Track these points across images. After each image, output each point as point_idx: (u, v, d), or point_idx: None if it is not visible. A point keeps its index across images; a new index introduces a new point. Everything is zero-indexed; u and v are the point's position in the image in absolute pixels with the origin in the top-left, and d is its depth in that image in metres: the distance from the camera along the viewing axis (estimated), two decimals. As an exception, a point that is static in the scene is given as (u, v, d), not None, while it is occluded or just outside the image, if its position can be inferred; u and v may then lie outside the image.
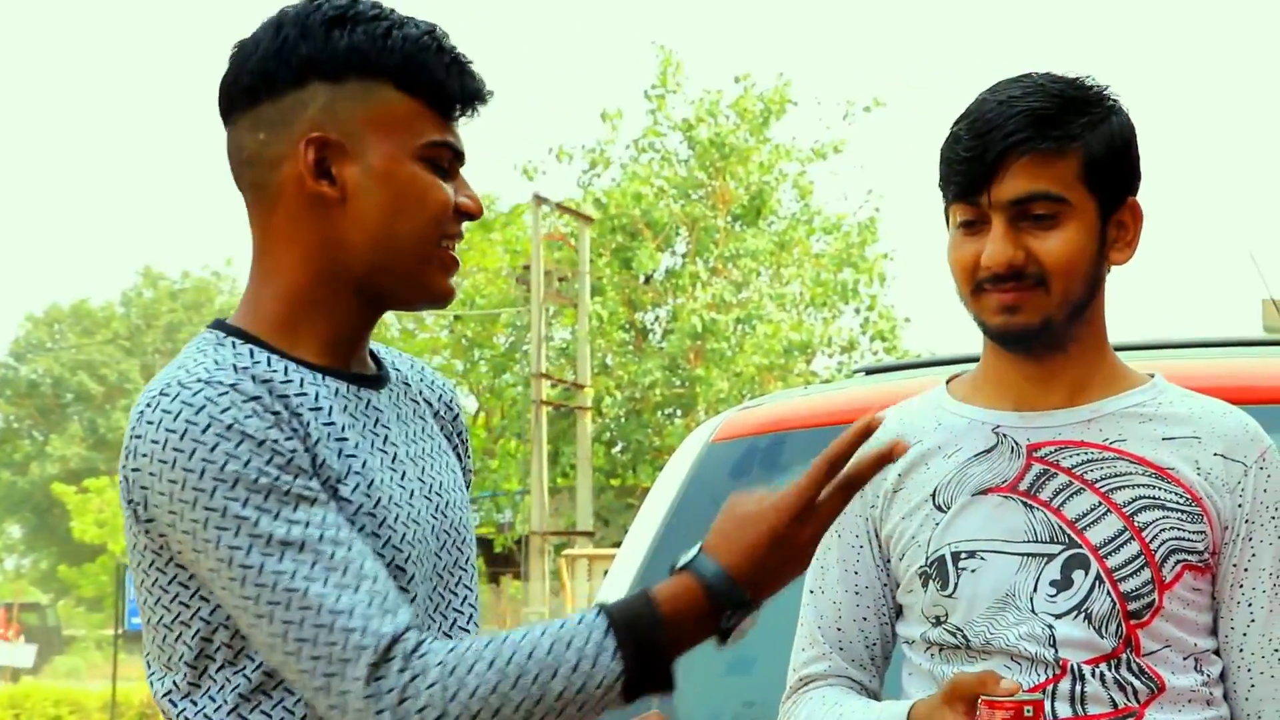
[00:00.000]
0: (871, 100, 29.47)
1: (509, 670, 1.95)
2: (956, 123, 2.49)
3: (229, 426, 1.99)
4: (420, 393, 2.29)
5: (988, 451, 2.51)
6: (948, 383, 2.63)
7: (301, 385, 2.08)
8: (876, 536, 2.57)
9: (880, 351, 28.77)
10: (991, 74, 2.56)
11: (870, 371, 3.86)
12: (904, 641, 2.56)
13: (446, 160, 2.14)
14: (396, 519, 2.09)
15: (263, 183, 2.13)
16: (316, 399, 2.08)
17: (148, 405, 2.03)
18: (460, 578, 2.22)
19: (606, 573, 3.38)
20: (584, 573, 22.82)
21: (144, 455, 2.01)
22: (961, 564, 2.48)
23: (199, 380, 2.02)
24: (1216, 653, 2.49)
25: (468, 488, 2.34)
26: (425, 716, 1.95)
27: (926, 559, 2.50)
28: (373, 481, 2.09)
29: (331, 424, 2.08)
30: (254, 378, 2.04)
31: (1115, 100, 2.50)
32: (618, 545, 3.37)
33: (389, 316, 29.70)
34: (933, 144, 2.54)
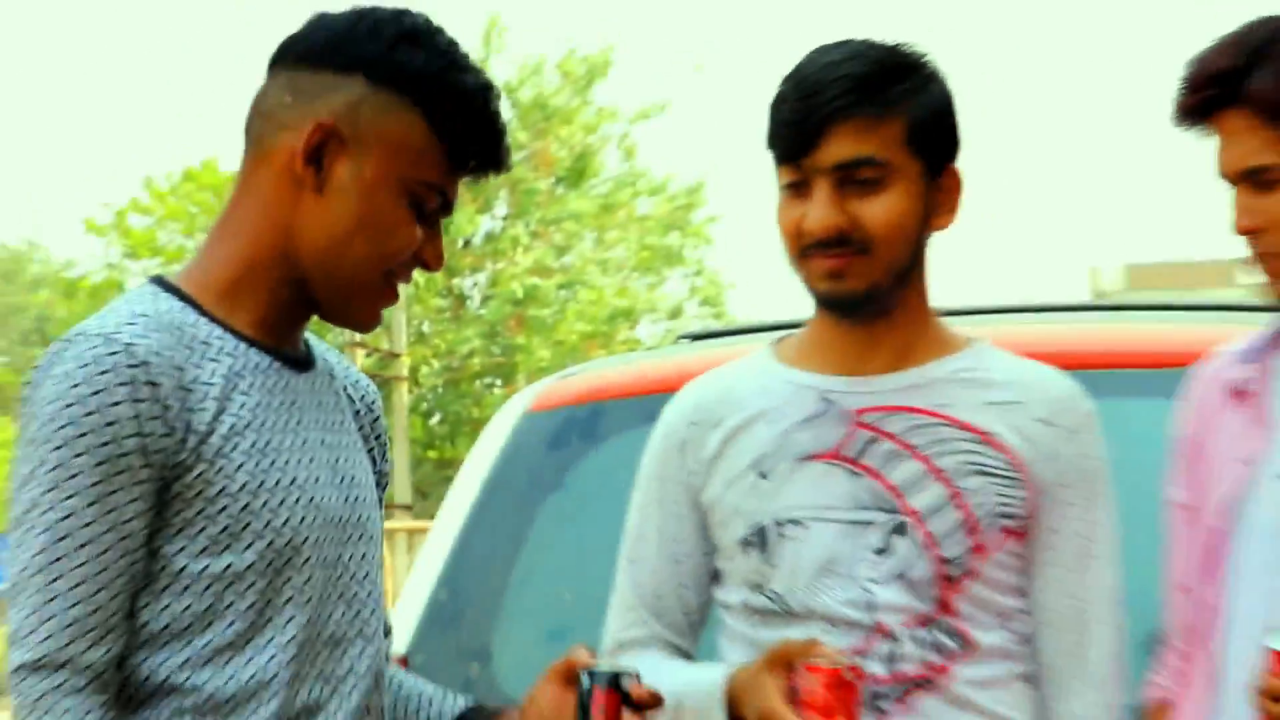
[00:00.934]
0: (697, 61, 29.48)
1: None
2: (782, 83, 2.49)
3: (95, 393, 2.07)
4: (344, 387, 2.35)
5: (813, 418, 2.52)
6: (775, 346, 2.63)
7: (219, 352, 2.15)
8: (698, 504, 2.57)
9: (708, 317, 28.78)
10: (819, 36, 2.58)
11: (695, 338, 3.84)
12: (722, 606, 2.57)
13: (432, 206, 2.21)
14: (297, 500, 2.17)
15: (264, 137, 2.20)
16: (231, 369, 2.15)
17: (55, 346, 2.12)
18: (366, 571, 2.28)
19: (425, 544, 3.38)
20: (403, 546, 22.65)
21: (26, 385, 2.13)
22: (784, 533, 2.49)
23: (99, 334, 2.10)
24: (1025, 611, 2.54)
25: (381, 488, 2.41)
26: None
27: (748, 528, 2.51)
28: (273, 459, 2.16)
29: (237, 396, 2.14)
30: (159, 335, 2.11)
31: (935, 67, 2.53)
32: (435, 518, 3.38)
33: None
34: (762, 104, 2.54)
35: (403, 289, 2.29)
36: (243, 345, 2.18)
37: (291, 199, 2.18)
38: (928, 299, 2.57)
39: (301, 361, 2.26)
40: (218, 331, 2.17)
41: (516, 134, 28.75)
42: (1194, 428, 2.50)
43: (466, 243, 29.34)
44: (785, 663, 2.36)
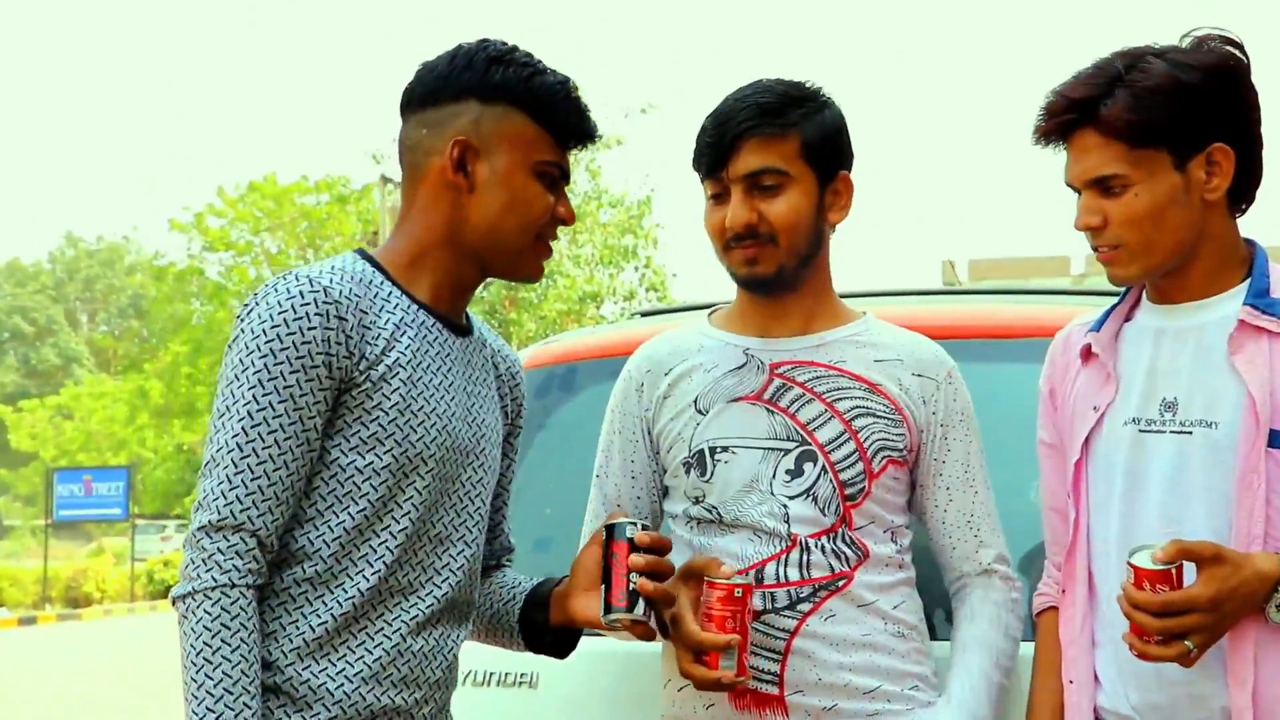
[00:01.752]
0: (647, 104, 29.55)
1: None
2: (705, 118, 2.51)
3: (298, 318, 2.11)
4: (491, 357, 2.39)
5: (739, 368, 2.53)
6: (709, 315, 2.65)
7: (395, 307, 2.19)
8: (650, 433, 2.58)
9: (654, 300, 28.90)
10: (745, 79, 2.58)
11: (645, 314, 3.84)
12: (670, 517, 2.58)
13: (554, 177, 2.26)
14: (431, 425, 2.19)
15: (416, 164, 2.25)
16: (401, 320, 2.18)
17: (269, 282, 2.18)
18: (479, 491, 2.29)
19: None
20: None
21: (242, 308, 2.17)
22: (717, 457, 2.49)
23: (306, 276, 2.15)
24: (907, 527, 2.53)
25: (513, 439, 2.46)
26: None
27: (689, 452, 2.52)
28: (420, 391, 2.18)
29: (403, 340, 2.17)
30: (350, 284, 2.16)
31: (828, 98, 2.52)
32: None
33: (266, 269, 28.89)
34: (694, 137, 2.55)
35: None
36: (414, 306, 2.22)
37: (452, 201, 2.23)
38: (829, 278, 2.57)
39: (461, 328, 2.30)
40: (396, 293, 2.21)
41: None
42: (1053, 383, 2.46)
43: (471, 242, 29.42)
44: (694, 575, 2.36)
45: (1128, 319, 2.39)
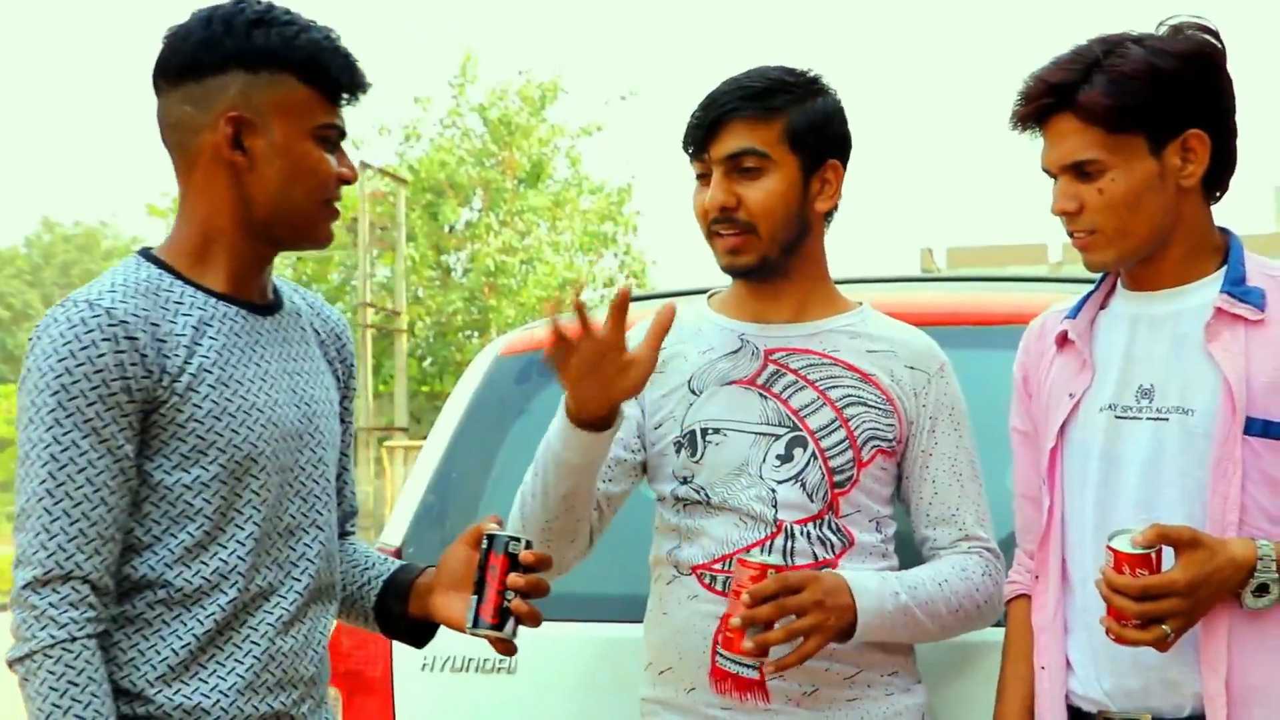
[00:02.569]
0: (629, 90, 29.51)
1: None
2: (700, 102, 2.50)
3: (84, 348, 2.00)
4: (310, 323, 2.27)
5: (734, 352, 2.52)
6: (708, 298, 2.63)
7: (190, 307, 2.08)
8: (642, 409, 2.55)
9: (633, 286, 28.85)
10: (725, 73, 2.57)
11: (632, 300, 3.83)
12: (657, 499, 2.55)
13: (334, 138, 2.15)
14: (255, 421, 2.09)
15: (184, 145, 2.13)
16: (200, 320, 2.08)
17: (50, 312, 2.06)
18: (321, 470, 2.20)
19: (418, 459, 3.34)
20: (401, 460, 22.65)
21: (29, 341, 2.04)
22: (708, 438, 2.48)
23: (86, 300, 2.03)
24: (892, 518, 2.52)
25: (346, 402, 2.34)
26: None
27: (681, 431, 2.50)
28: (235, 389, 2.08)
29: (204, 341, 2.07)
30: (136, 299, 2.05)
31: (825, 86, 2.50)
32: (426, 439, 3.32)
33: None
34: (676, 126, 2.56)
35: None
36: (211, 299, 2.11)
37: (231, 179, 2.11)
38: (823, 267, 2.56)
39: (268, 306, 2.19)
40: (189, 290, 2.10)
41: (488, 145, 28.75)
42: (1026, 371, 2.45)
43: (451, 229, 29.28)
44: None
45: (1103, 307, 2.39)
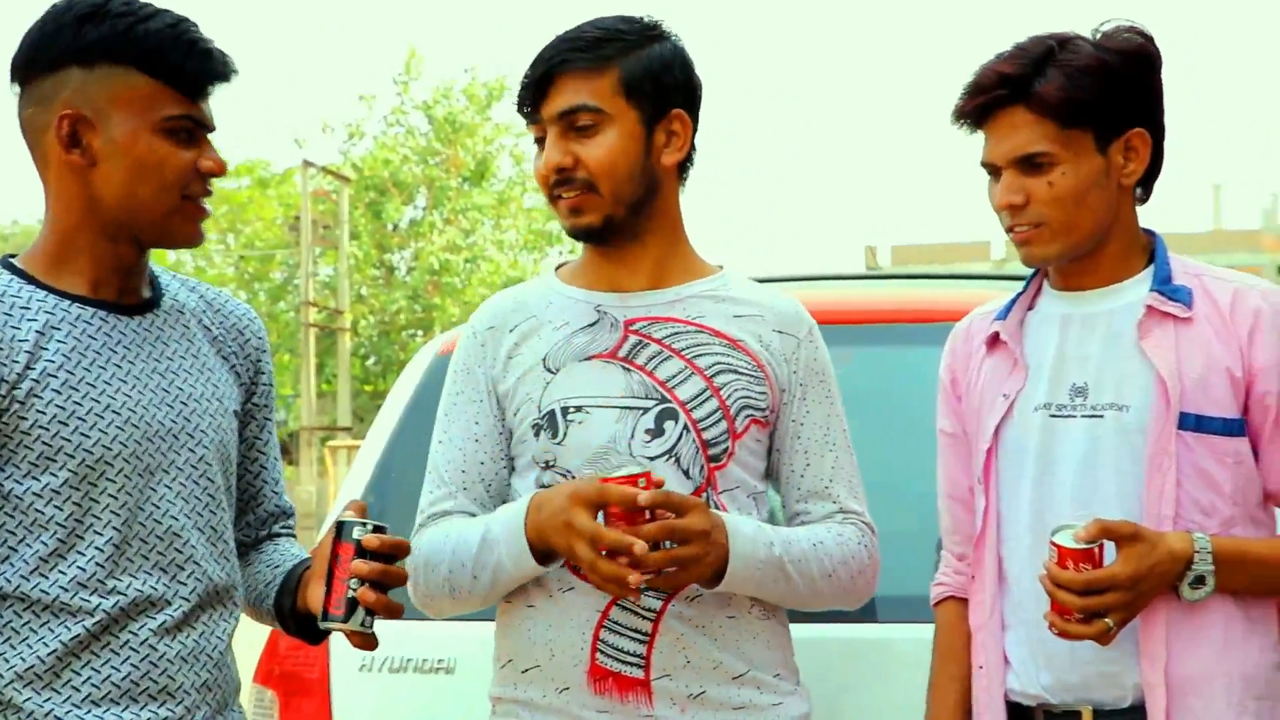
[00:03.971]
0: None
1: None
2: None
3: None
4: (200, 319, 2.20)
5: (591, 325, 2.36)
6: (556, 269, 2.49)
7: (37, 312, 2.03)
8: (495, 393, 2.38)
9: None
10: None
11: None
12: (519, 493, 2.35)
13: (189, 130, 2.06)
14: (110, 422, 2.03)
15: (35, 145, 2.08)
16: (46, 324, 2.02)
17: None
18: (203, 470, 2.12)
19: (357, 458, 3.31)
20: (344, 460, 22.57)
21: None
22: (569, 417, 2.31)
23: None
24: (765, 492, 2.40)
25: (257, 399, 2.26)
26: None
27: (539, 413, 2.33)
28: (85, 393, 2.02)
29: (51, 345, 2.02)
30: None
31: (664, 32, 2.37)
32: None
33: (185, 255, 28.37)
34: None
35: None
36: (64, 302, 2.05)
37: (78, 179, 2.05)
38: (679, 228, 2.42)
39: (138, 306, 2.12)
40: (39, 294, 2.04)
41: (432, 143, 28.70)
42: (955, 373, 2.44)
43: (395, 227, 29.21)
44: (589, 503, 2.17)
45: (1031, 307, 2.39)
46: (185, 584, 2.07)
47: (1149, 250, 2.34)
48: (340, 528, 2.08)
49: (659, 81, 2.32)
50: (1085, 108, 2.23)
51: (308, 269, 25.44)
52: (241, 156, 32.87)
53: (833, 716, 2.60)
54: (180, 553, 2.07)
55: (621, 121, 2.30)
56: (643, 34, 2.33)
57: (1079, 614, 2.12)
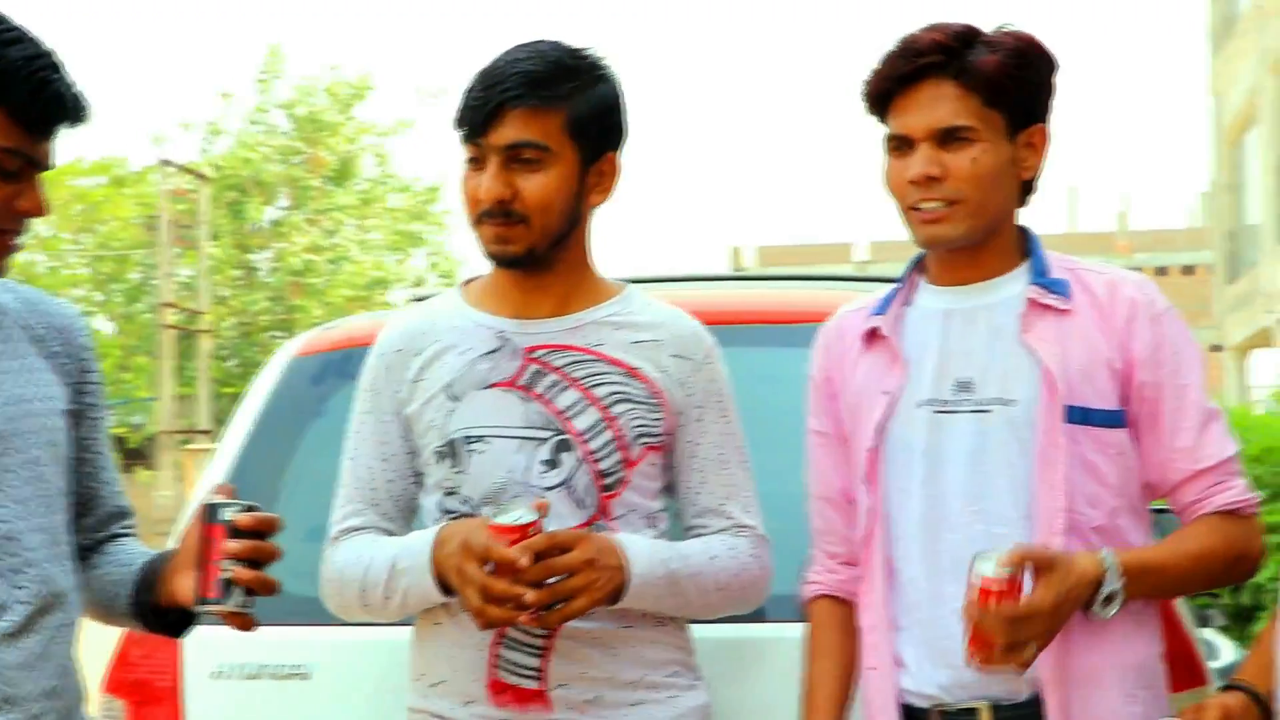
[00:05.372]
0: (439, 88, 29.37)
1: None
2: (474, 75, 2.39)
3: None
4: (18, 320, 2.15)
5: (493, 352, 2.42)
6: (464, 287, 2.53)
7: None
8: (402, 414, 2.45)
9: (444, 285, 28.78)
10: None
11: (420, 299, 3.80)
12: (426, 513, 2.46)
13: (11, 166, 2.00)
14: None
15: None
16: None
17: None
18: (37, 473, 2.08)
19: (211, 462, 3.26)
20: (203, 464, 22.28)
21: None
22: (470, 446, 2.39)
23: None
24: (664, 510, 2.47)
25: (87, 398, 2.22)
26: None
27: (442, 441, 2.40)
28: None
29: None
30: None
31: (607, 70, 2.42)
32: (222, 441, 3.25)
33: (38, 255, 27.78)
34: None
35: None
36: None
37: None
38: (588, 256, 2.47)
39: None
40: None
41: (294, 142, 28.43)
42: (828, 372, 2.43)
43: (256, 227, 28.86)
44: (478, 556, 2.24)
45: (907, 303, 2.39)
46: (24, 588, 2.02)
47: (1023, 246, 2.37)
48: (209, 510, 2.08)
49: (602, 124, 2.40)
50: (1007, 90, 2.27)
51: (166, 269, 25.03)
52: (98, 154, 32.22)
53: (732, 712, 2.62)
54: (17, 556, 2.02)
55: (562, 160, 2.36)
56: (592, 72, 2.39)
57: (1004, 646, 2.12)
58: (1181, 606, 2.85)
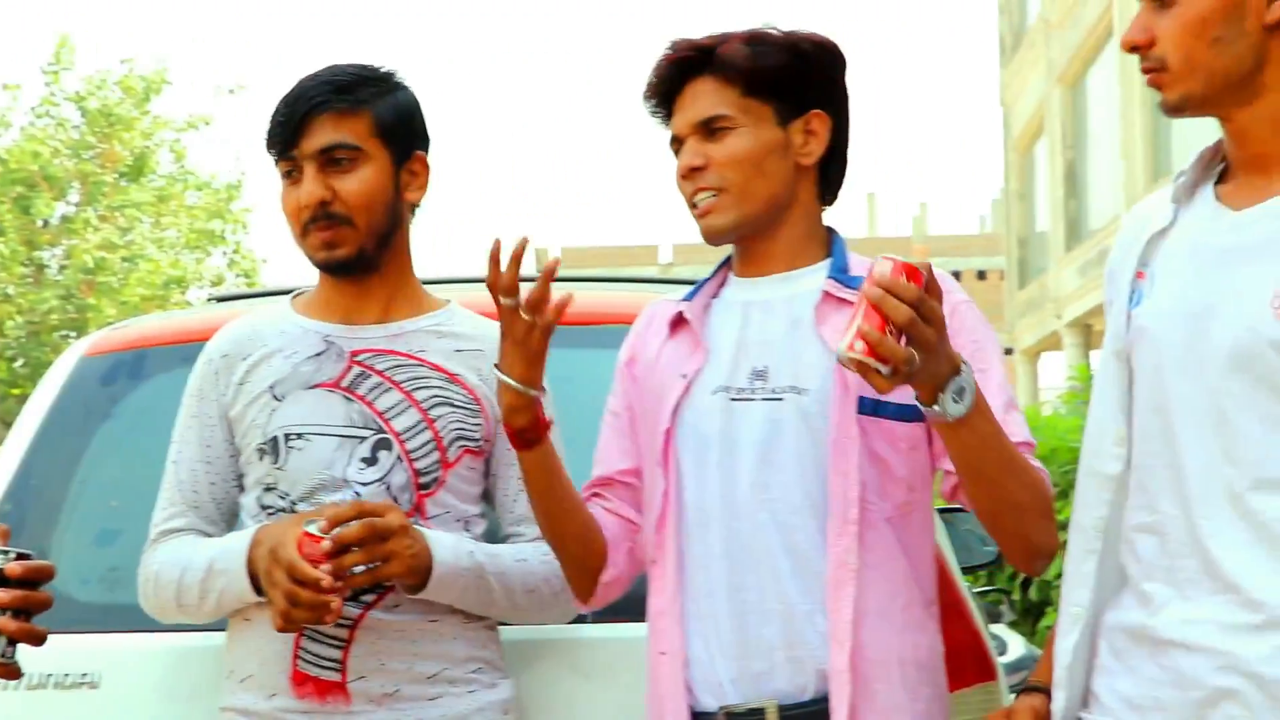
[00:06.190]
0: (236, 84, 28.92)
1: None
2: (279, 100, 2.50)
3: None
4: None
5: (318, 355, 2.50)
6: (292, 299, 2.61)
7: None
8: (226, 418, 2.52)
9: (244, 285, 28.30)
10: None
11: (221, 299, 3.75)
12: (244, 510, 2.53)
13: None
14: None
15: None
16: None
17: None
18: None
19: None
20: (-10, 468, 21.60)
21: None
22: (291, 443, 2.46)
23: None
24: (481, 516, 2.54)
25: None
26: None
27: (263, 438, 2.47)
28: None
29: None
30: None
31: (401, 81, 2.54)
32: (6, 444, 3.15)
33: None
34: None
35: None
36: None
37: None
38: (410, 265, 2.58)
39: None
40: None
41: (86, 136, 27.80)
42: (633, 352, 2.49)
43: (46, 223, 28.08)
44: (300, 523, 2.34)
45: (715, 296, 2.45)
46: None
47: (828, 244, 2.43)
48: None
49: (407, 125, 2.52)
50: (768, 78, 2.35)
51: (-51, 266, 24.18)
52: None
53: (540, 710, 2.64)
54: None
55: (375, 160, 2.47)
56: (390, 81, 2.52)
57: (900, 328, 2.02)
58: (971, 601, 2.93)
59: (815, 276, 2.38)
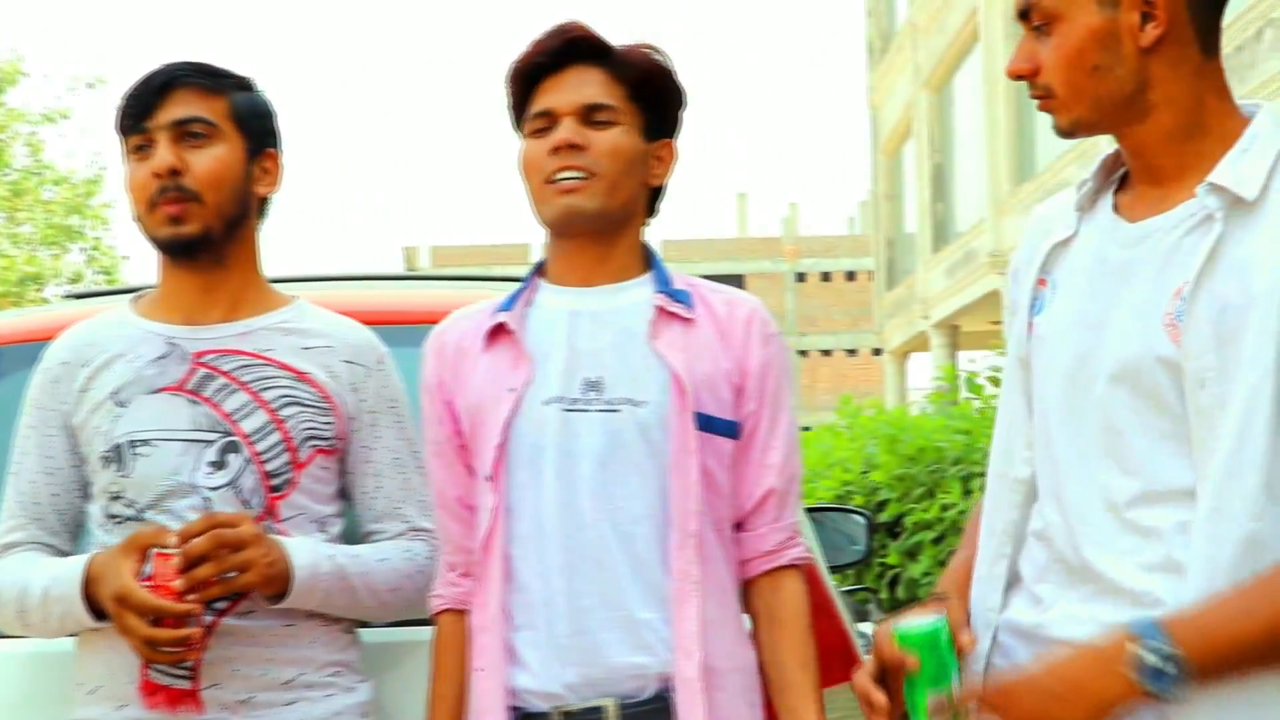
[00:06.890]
0: (95, 77, 28.38)
1: None
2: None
3: None
4: None
5: (161, 358, 2.45)
6: (133, 301, 2.55)
7: None
8: (68, 427, 2.47)
9: (104, 283, 27.81)
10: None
11: (77, 296, 3.67)
12: (91, 520, 2.47)
13: None
14: None
15: None
16: None
17: None
18: None
19: None
20: None
21: None
22: (136, 450, 2.41)
23: None
24: (338, 515, 2.51)
25: None
26: None
27: (107, 446, 2.42)
28: None
29: None
30: None
31: (259, 87, 2.55)
32: None
33: None
34: None
35: None
36: None
37: None
38: (257, 262, 2.54)
39: None
40: None
41: (-63, 130, 27.16)
42: (443, 377, 2.43)
43: (-107, 218, 27.40)
44: (140, 549, 2.28)
45: (528, 304, 2.43)
46: None
47: (646, 259, 2.46)
48: None
49: (263, 121, 2.52)
50: (654, 90, 2.41)
51: None
52: None
53: (401, 713, 2.60)
54: None
55: (230, 142, 2.46)
56: (248, 81, 2.53)
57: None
58: (839, 599, 2.95)
59: (641, 289, 2.41)
